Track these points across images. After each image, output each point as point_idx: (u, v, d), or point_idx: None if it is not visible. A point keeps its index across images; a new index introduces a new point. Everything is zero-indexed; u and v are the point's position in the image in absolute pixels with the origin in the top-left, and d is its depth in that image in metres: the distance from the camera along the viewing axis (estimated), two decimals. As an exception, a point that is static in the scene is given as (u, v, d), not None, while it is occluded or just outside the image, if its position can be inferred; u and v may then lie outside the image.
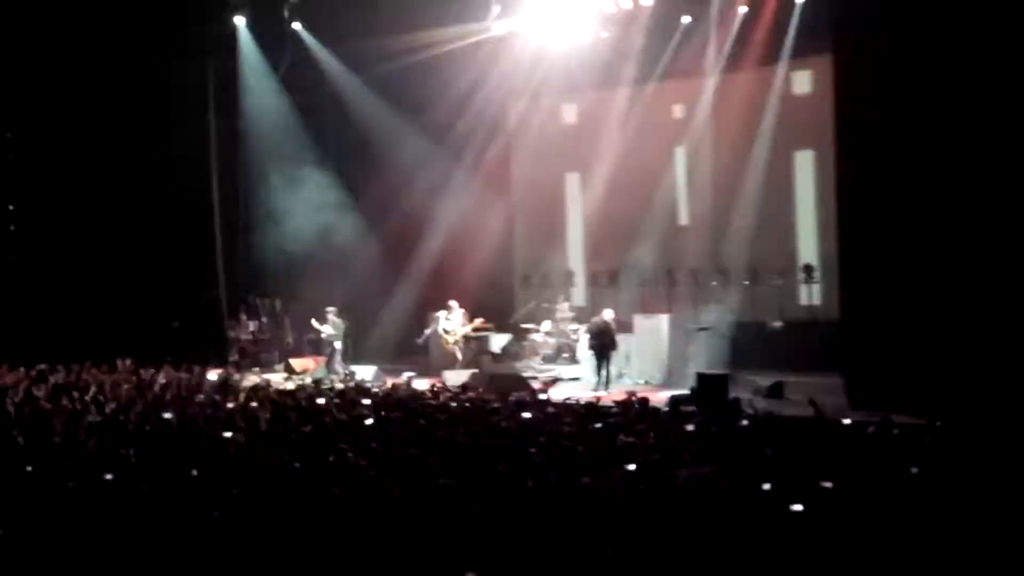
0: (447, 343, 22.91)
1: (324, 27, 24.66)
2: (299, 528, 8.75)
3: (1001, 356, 15.58)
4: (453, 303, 23.27)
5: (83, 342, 21.21)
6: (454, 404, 15.04)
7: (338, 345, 23.10)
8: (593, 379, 20.57)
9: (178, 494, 9.93)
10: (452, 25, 23.39)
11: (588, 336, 21.30)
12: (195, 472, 10.64)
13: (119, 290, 23.73)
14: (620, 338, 21.26)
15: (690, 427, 13.06)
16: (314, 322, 23.33)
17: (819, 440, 12.03)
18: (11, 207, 24.55)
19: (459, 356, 22.77)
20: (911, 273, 16.57)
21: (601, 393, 18.10)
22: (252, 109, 25.65)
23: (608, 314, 21.19)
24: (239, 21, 24.51)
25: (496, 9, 22.83)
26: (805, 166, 22.68)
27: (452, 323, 23.02)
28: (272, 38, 24.92)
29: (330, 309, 23.19)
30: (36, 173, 24.23)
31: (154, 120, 23.71)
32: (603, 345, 20.68)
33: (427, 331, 23.53)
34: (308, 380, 20.51)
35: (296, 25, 24.74)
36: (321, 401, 15.36)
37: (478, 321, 23.26)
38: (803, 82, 22.61)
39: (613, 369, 20.80)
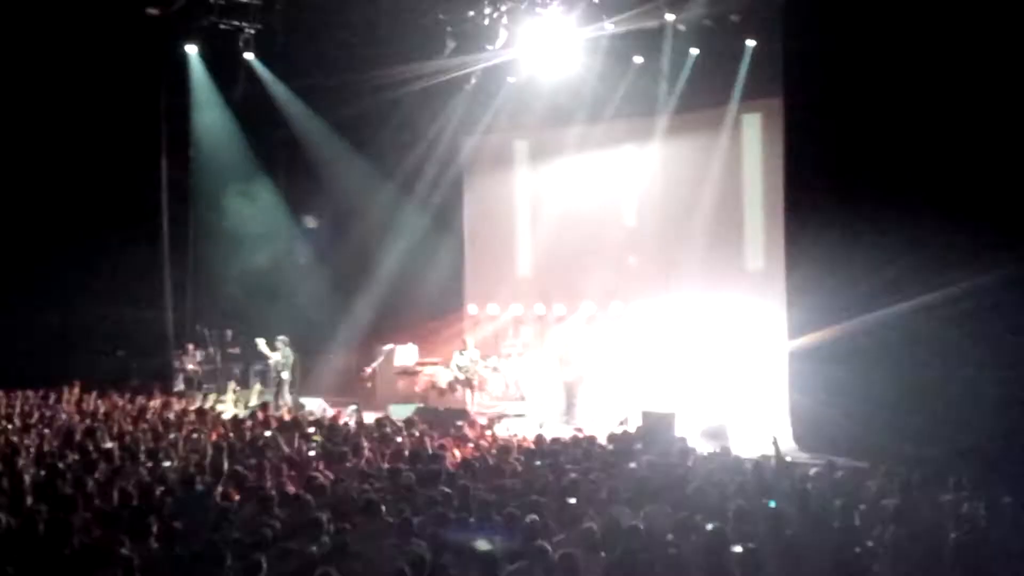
0: (457, 379, 22.83)
1: (277, 58, 24.58)
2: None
3: (946, 399, 15.75)
4: (468, 339, 23.22)
5: (28, 367, 20.97)
6: (399, 439, 15.05)
7: (286, 376, 22.91)
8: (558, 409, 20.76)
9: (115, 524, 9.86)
10: (407, 62, 23.38)
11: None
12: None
13: (66, 316, 23.41)
14: (567, 374, 21.40)
15: (634, 465, 13.10)
16: (260, 344, 23.04)
17: (764, 480, 12.10)
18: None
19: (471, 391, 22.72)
20: (859, 317, 16.74)
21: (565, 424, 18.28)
22: (203, 138, 25.48)
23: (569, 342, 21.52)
24: (191, 50, 24.39)
25: (451, 45, 22.88)
26: (754, 207, 22.81)
27: (465, 359, 22.87)
28: (224, 68, 24.80)
29: (280, 338, 23.02)
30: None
31: (104, 147, 23.48)
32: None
33: (374, 364, 23.43)
34: (255, 406, 20.46)
35: (248, 55, 24.67)
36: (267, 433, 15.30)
37: (494, 358, 23.31)
38: (753, 123, 22.79)
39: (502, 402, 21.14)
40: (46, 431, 15.42)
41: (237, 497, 11.22)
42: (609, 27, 22.18)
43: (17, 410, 17.52)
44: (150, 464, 13.13)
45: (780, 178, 19.31)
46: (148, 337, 24.12)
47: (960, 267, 15.62)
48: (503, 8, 22.29)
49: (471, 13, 22.53)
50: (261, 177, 26.05)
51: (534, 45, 22.86)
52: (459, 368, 22.73)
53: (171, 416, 17.57)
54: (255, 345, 23.20)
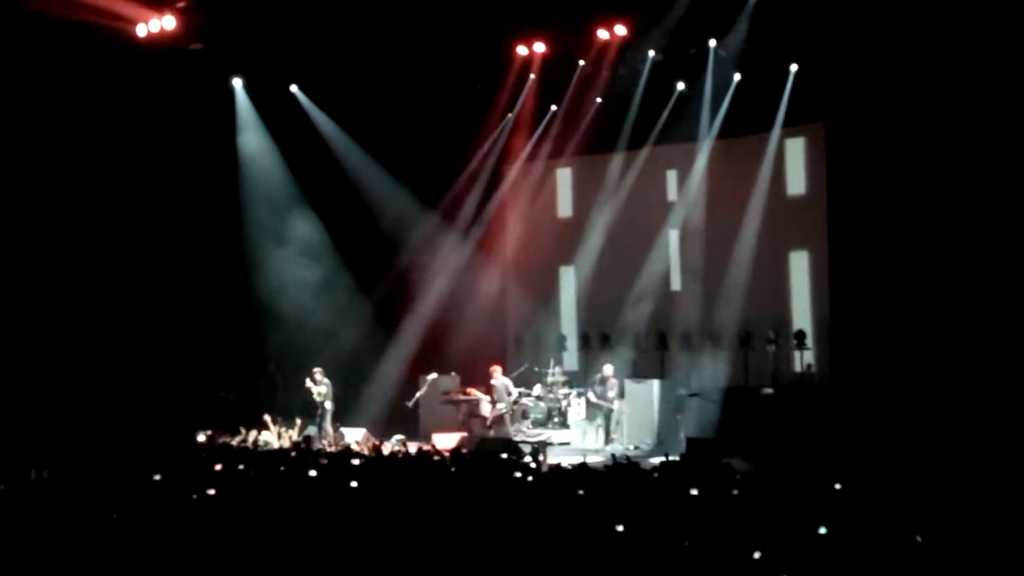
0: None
1: (321, 90, 24.76)
2: None
3: (992, 423, 15.53)
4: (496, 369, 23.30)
5: (74, 402, 21.12)
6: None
7: (329, 406, 22.90)
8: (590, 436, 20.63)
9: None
10: (448, 89, 23.50)
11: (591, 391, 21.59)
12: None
13: (108, 352, 23.50)
14: (612, 402, 21.32)
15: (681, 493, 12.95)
16: (309, 383, 23.08)
17: (810, 506, 11.92)
18: None
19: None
20: (906, 342, 16.55)
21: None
22: (249, 170, 25.67)
23: (608, 369, 21.55)
24: (236, 83, 24.60)
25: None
26: (799, 231, 22.65)
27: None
28: (269, 101, 25.02)
29: (317, 370, 23.04)
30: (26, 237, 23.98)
31: (148, 182, 23.71)
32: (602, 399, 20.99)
33: (418, 393, 23.40)
34: (298, 438, 20.48)
35: (293, 88, 24.86)
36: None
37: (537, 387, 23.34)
38: (796, 148, 22.67)
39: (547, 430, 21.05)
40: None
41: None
42: (651, 53, 22.22)
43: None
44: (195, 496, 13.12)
45: (824, 202, 19.16)
46: (193, 368, 24.20)
47: (1014, 294, 15.46)
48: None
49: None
50: (305, 209, 26.18)
51: (575, 73, 22.92)
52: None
53: (216, 449, 17.62)
54: (297, 377, 23.20)
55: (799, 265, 22.49)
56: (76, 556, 9.68)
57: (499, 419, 22.50)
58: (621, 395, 21.68)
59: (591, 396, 21.80)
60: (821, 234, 20.84)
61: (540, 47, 22.88)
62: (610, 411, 21.34)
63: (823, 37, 19.25)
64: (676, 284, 24.03)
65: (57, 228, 23.39)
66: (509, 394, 22.50)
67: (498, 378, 22.60)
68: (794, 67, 21.43)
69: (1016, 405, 15.43)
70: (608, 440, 21.02)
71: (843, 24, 18.20)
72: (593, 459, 17.38)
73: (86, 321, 23.56)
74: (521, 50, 23.09)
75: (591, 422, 21.61)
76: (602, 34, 21.97)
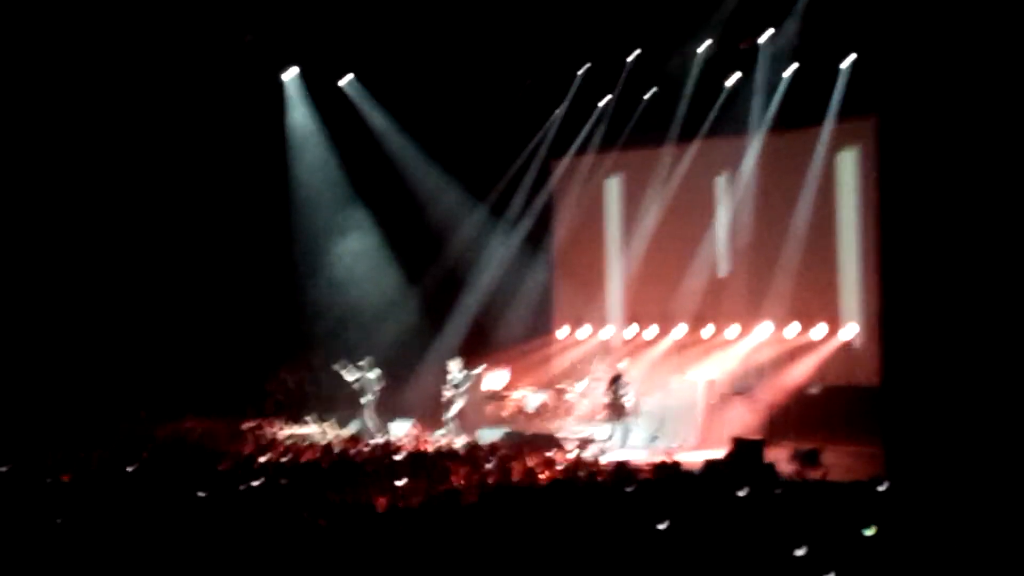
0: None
1: (372, 83, 24.83)
2: None
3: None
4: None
5: (124, 393, 21.34)
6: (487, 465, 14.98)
7: (371, 399, 22.94)
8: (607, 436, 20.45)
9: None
10: (498, 85, 23.49)
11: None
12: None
13: (162, 343, 23.72)
14: (655, 399, 21.16)
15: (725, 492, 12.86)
16: (342, 371, 23.07)
17: (857, 507, 11.79)
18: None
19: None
20: (956, 339, 16.29)
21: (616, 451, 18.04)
22: (297, 163, 25.82)
23: (622, 366, 21.27)
24: (287, 75, 24.72)
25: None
26: (849, 228, 22.42)
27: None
28: (320, 93, 25.13)
29: (362, 362, 23.07)
30: (82, 233, 24.20)
31: (199, 174, 23.90)
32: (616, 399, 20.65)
33: (463, 387, 23.35)
34: (345, 433, 20.54)
35: (344, 81, 24.94)
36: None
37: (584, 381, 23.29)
38: (848, 143, 22.44)
39: (631, 428, 20.71)
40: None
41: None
42: (702, 47, 22.11)
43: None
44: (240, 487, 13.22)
45: (875, 199, 18.92)
46: (241, 361, 24.35)
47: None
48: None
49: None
50: (354, 202, 26.28)
51: (624, 67, 22.84)
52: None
53: (264, 440, 17.74)
54: (343, 369, 23.27)
55: (849, 262, 22.28)
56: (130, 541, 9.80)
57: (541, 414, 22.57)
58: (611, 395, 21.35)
59: (606, 397, 21.32)
60: (873, 230, 20.57)
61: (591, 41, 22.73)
62: (623, 412, 20.88)
63: (877, 29, 18.99)
64: (724, 279, 23.82)
65: (111, 219, 23.68)
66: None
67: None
68: (847, 61, 21.22)
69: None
70: (652, 438, 20.84)
71: (897, 15, 17.95)
72: (636, 457, 17.32)
73: (134, 311, 23.82)
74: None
75: (613, 424, 21.14)
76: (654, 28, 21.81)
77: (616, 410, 20.55)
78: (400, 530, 10.48)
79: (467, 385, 22.47)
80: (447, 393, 22.22)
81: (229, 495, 12.64)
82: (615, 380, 20.83)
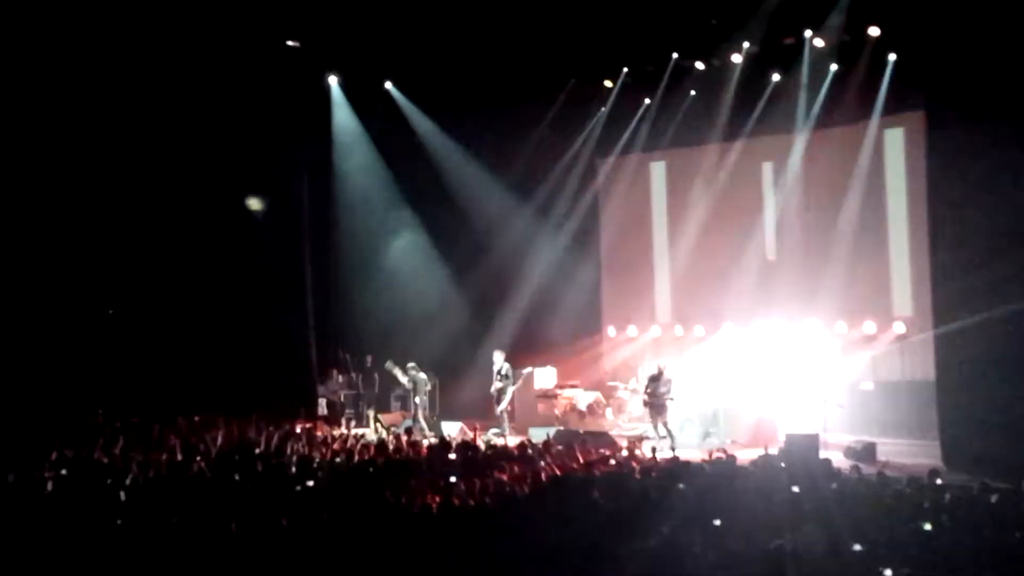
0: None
1: (415, 86, 24.97)
2: None
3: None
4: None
5: (178, 396, 21.54)
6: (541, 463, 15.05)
7: (421, 400, 23.10)
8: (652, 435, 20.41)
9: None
10: (543, 86, 23.54)
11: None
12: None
13: (214, 346, 23.94)
14: (707, 396, 21.18)
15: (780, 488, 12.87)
16: (392, 367, 23.20)
17: (914, 502, 11.78)
18: (119, 272, 24.90)
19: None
20: (1010, 333, 16.21)
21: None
22: (344, 168, 26.04)
23: (662, 363, 21.20)
24: (332, 81, 24.91)
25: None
26: (898, 223, 22.30)
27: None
28: (365, 97, 25.31)
29: (411, 365, 23.23)
30: (137, 237, 24.52)
31: (248, 180, 24.16)
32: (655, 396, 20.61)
33: (514, 387, 23.47)
34: (397, 430, 20.68)
35: (388, 84, 25.11)
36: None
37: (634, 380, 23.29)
38: (896, 138, 22.33)
39: (685, 425, 20.71)
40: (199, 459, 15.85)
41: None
42: (746, 45, 22.06)
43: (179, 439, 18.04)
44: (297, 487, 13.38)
45: (924, 194, 18.82)
46: (292, 363, 24.56)
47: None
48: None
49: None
50: (401, 204, 26.45)
51: (668, 66, 22.84)
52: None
53: (316, 440, 17.89)
54: (388, 370, 23.43)
55: (900, 259, 22.17)
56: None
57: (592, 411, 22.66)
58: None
59: (644, 395, 21.20)
60: (922, 226, 20.48)
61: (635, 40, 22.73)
62: (663, 408, 20.82)
63: (923, 25, 18.87)
64: (773, 275, 23.75)
65: (161, 221, 23.98)
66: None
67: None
68: (893, 56, 21.11)
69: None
70: (705, 435, 20.82)
71: (943, 11, 17.87)
72: (689, 454, 17.34)
73: (188, 313, 24.09)
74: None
75: (652, 422, 21.08)
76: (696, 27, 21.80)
77: (656, 408, 20.51)
78: (456, 528, 10.59)
79: (515, 378, 22.62)
80: (497, 384, 22.38)
81: (288, 495, 12.82)
82: (655, 378, 20.78)
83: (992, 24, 16.72)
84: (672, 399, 20.56)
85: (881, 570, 8.83)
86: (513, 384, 22.61)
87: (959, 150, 17.28)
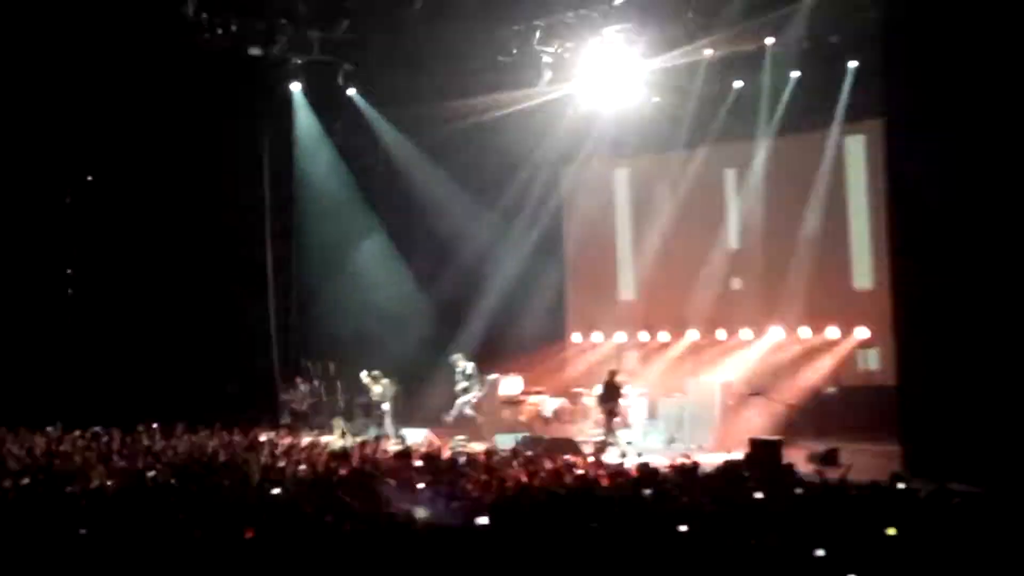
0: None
1: (378, 92, 24.90)
2: None
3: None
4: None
5: (138, 406, 21.34)
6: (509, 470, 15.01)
7: (386, 407, 23.03)
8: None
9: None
10: (504, 91, 23.48)
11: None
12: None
13: (174, 355, 23.77)
14: (673, 401, 21.25)
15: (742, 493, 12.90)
16: (364, 375, 23.20)
17: (877, 507, 11.82)
18: (69, 271, 24.74)
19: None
20: (971, 337, 16.32)
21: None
22: (306, 174, 25.92)
23: (613, 369, 21.56)
24: (294, 87, 24.82)
25: (547, 75, 22.96)
26: (860, 229, 22.45)
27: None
28: (327, 103, 25.22)
29: (375, 372, 23.19)
30: (93, 237, 24.43)
31: (209, 185, 24.00)
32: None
33: (479, 394, 23.47)
34: (362, 438, 20.56)
35: (351, 91, 25.04)
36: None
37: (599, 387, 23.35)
38: (856, 145, 22.49)
39: (625, 431, 20.97)
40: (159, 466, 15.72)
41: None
42: (708, 51, 22.12)
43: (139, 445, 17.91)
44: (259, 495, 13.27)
45: (884, 199, 18.95)
46: (255, 371, 24.42)
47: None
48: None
49: (569, 44, 22.48)
50: (364, 210, 26.37)
51: (631, 73, 22.86)
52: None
53: (279, 449, 17.76)
54: (358, 378, 23.37)
55: (861, 264, 22.31)
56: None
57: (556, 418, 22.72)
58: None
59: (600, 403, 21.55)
60: (883, 232, 20.62)
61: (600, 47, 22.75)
62: (616, 416, 21.06)
63: (881, 32, 19.01)
64: (736, 282, 23.87)
65: (123, 229, 23.82)
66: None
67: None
68: (853, 63, 21.25)
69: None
70: (670, 440, 20.90)
71: (902, 18, 17.99)
72: (654, 459, 17.32)
73: (145, 320, 23.89)
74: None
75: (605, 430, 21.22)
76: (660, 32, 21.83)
77: (610, 415, 20.67)
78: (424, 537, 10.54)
79: (480, 380, 22.72)
80: (462, 384, 22.45)
81: (249, 507, 12.71)
82: (609, 385, 20.94)
83: (951, 30, 16.85)
84: (623, 405, 20.79)
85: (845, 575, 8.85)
86: (478, 385, 22.71)
87: (919, 157, 17.40)
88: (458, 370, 22.74)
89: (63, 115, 22.62)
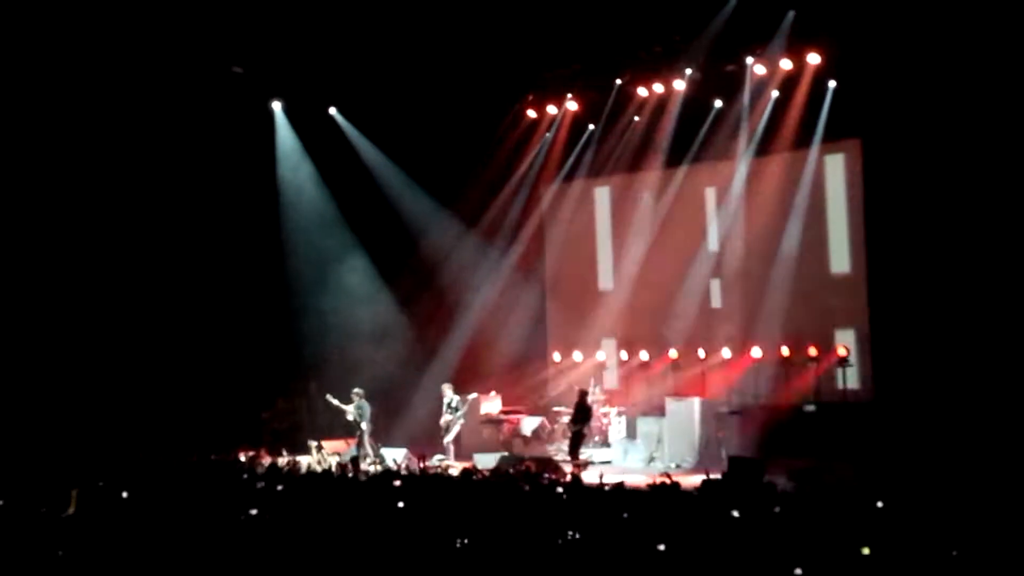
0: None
1: (359, 112, 24.93)
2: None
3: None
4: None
5: (120, 427, 21.26)
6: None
7: (366, 427, 23.00)
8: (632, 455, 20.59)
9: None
10: (485, 109, 23.55)
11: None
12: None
13: (152, 374, 23.64)
14: (652, 420, 21.29)
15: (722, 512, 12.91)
16: (331, 399, 23.17)
17: (851, 526, 11.84)
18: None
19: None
20: (948, 355, 16.43)
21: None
22: (288, 193, 25.90)
23: (583, 388, 21.91)
24: (276, 106, 24.81)
25: (530, 96, 23.07)
26: (839, 247, 22.52)
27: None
28: (308, 123, 25.22)
29: (356, 391, 23.14)
30: (66, 252, 24.29)
31: (190, 201, 23.93)
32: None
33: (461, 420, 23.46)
34: (341, 460, 20.50)
35: (332, 110, 25.04)
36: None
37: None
38: (836, 165, 22.57)
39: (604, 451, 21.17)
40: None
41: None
42: (688, 71, 22.23)
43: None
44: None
45: (863, 218, 19.06)
46: (234, 391, 24.29)
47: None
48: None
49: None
50: (345, 230, 26.35)
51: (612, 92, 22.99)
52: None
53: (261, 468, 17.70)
54: (338, 397, 23.33)
55: (840, 282, 22.36)
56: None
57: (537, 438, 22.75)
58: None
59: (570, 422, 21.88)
60: (861, 250, 20.73)
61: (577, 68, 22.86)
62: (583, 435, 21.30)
63: (861, 53, 19.17)
64: (716, 301, 23.90)
65: (99, 244, 23.71)
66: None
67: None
68: (832, 83, 21.38)
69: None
70: (650, 459, 20.93)
71: (881, 39, 18.16)
72: (634, 479, 17.34)
73: (125, 339, 23.76)
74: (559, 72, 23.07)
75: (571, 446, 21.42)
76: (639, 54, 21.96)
77: (580, 437, 20.80)
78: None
79: (464, 409, 22.63)
80: (446, 417, 22.41)
81: (229, 523, 12.66)
82: (579, 406, 21.07)
83: (928, 51, 17.01)
84: (603, 424, 20.88)
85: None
86: (463, 417, 22.68)
87: (896, 175, 17.56)
88: (445, 400, 22.72)
89: (42, 128, 22.51)
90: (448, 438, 22.37)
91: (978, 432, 15.85)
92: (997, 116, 15.94)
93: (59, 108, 22.32)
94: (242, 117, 24.16)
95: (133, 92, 22.51)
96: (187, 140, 23.32)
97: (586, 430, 20.96)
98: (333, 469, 18.68)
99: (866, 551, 10.24)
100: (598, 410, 23.26)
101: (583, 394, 21.51)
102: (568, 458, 20.77)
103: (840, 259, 22.41)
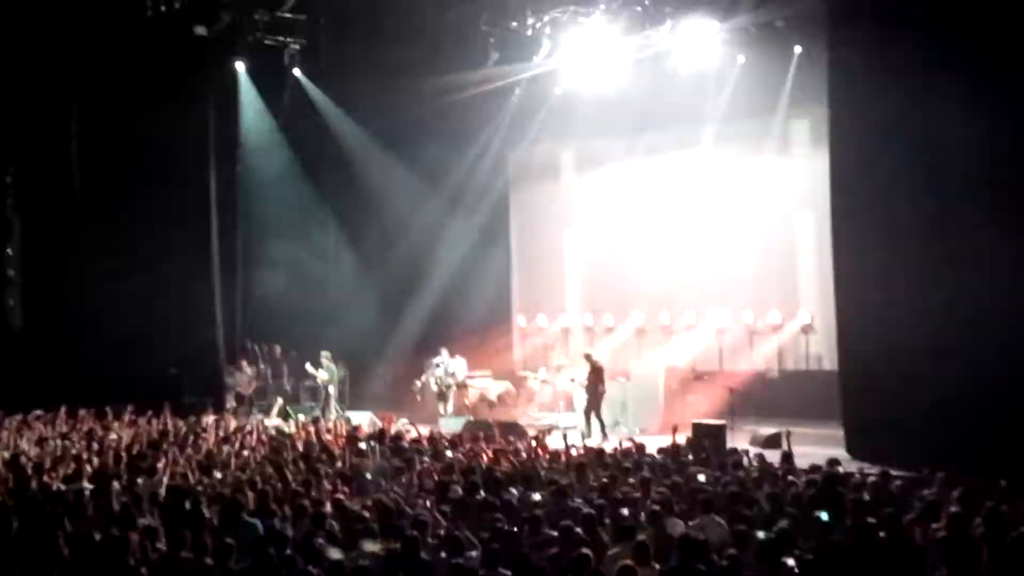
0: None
1: (324, 73, 24.69)
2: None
3: (1000, 405, 15.52)
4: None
5: (81, 387, 21.05)
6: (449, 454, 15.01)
7: (332, 390, 22.96)
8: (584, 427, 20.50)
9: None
10: (451, 73, 23.37)
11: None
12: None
13: (117, 336, 23.43)
14: (617, 385, 21.32)
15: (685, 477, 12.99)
16: (309, 367, 23.20)
17: (819, 491, 11.93)
18: (8, 251, 24.41)
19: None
20: (909, 322, 16.52)
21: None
22: (251, 154, 25.68)
23: (590, 353, 21.52)
24: (239, 66, 24.54)
25: (495, 55, 22.91)
26: (804, 214, 22.59)
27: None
28: (272, 84, 24.96)
29: (324, 354, 23.09)
30: (35, 216, 24.11)
31: (153, 164, 23.66)
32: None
33: (423, 377, 23.48)
34: (305, 421, 20.45)
35: (296, 71, 24.80)
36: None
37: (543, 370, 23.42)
38: (802, 130, 22.61)
39: (569, 415, 21.12)
40: (99, 448, 15.55)
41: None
42: (654, 36, 22.12)
43: (78, 430, 17.70)
44: (204, 480, 13.17)
45: (828, 186, 19.07)
46: (199, 354, 24.10)
47: (1014, 268, 15.48)
48: (546, 19, 22.22)
49: (514, 24, 22.48)
50: (309, 192, 26.19)
51: (578, 55, 22.84)
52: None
53: (223, 433, 17.62)
54: (303, 364, 23.28)
55: (805, 249, 22.46)
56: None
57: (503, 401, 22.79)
58: None
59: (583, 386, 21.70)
60: (827, 217, 20.78)
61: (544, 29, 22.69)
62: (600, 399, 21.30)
63: (825, 18, 19.11)
64: (682, 266, 23.91)
65: (63, 206, 23.51)
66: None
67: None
68: (798, 48, 21.36)
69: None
70: (606, 425, 20.83)
71: (846, 5, 18.13)
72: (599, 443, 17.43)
73: (92, 300, 23.56)
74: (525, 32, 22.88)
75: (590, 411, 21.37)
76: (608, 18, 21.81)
77: (596, 399, 20.78)
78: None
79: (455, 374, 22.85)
80: (447, 382, 22.52)
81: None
82: (594, 369, 21.06)
83: (894, 18, 16.97)
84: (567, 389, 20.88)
85: (783, 558, 8.93)
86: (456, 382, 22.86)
87: (860, 143, 17.59)
88: (440, 366, 22.88)
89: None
90: (449, 406, 22.75)
91: (945, 398, 15.95)
92: (964, 79, 15.93)
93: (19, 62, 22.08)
94: (205, 76, 23.86)
95: (95, 51, 22.30)
96: (149, 99, 22.93)
97: (601, 388, 20.81)
98: (298, 431, 18.61)
99: (825, 516, 10.33)
100: (563, 374, 23.25)
101: (589, 357, 21.31)
102: (584, 420, 20.65)
103: (805, 226, 22.48)
